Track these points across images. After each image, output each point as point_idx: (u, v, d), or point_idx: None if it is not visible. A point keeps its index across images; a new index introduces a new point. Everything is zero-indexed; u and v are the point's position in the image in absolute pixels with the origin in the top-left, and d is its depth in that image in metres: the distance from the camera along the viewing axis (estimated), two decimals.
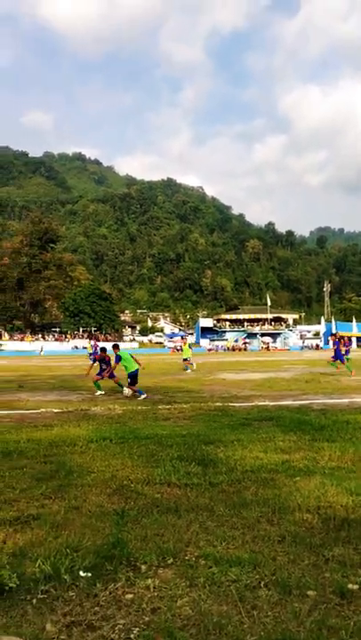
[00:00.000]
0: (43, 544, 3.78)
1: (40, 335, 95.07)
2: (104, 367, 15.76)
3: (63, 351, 76.79)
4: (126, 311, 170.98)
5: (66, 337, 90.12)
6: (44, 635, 2.63)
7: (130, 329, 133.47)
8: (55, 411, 11.54)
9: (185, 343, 29.97)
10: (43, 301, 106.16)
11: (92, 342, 47.38)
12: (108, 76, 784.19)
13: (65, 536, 3.92)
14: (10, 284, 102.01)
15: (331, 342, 27.47)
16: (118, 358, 14.77)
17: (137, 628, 2.70)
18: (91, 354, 37.70)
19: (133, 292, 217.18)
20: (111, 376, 15.67)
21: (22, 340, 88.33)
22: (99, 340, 63.10)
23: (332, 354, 22.67)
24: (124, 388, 14.77)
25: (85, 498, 4.95)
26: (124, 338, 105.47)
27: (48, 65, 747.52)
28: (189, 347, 27.81)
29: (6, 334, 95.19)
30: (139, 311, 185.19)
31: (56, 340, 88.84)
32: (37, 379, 22.40)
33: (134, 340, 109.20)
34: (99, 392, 15.13)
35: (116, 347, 15.52)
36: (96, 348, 39.61)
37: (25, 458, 6.66)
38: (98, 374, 15.63)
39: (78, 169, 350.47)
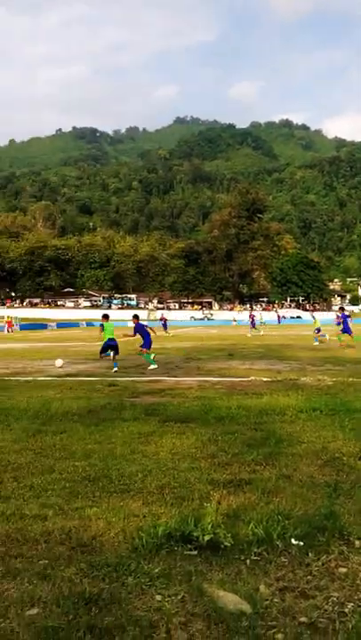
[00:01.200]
0: (255, 508, 3.89)
1: (248, 305, 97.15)
2: (146, 335, 15.06)
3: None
4: (335, 280, 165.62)
5: (274, 307, 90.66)
6: (258, 595, 2.72)
7: (339, 298, 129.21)
8: (264, 379, 11.73)
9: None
10: (251, 272, 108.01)
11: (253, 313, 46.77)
12: (313, 36, 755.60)
13: (276, 503, 3.99)
14: (219, 255, 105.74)
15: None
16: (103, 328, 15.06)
17: (351, 604, 2.64)
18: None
19: (343, 260, 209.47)
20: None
21: (231, 309, 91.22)
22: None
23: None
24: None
25: (296, 467, 4.97)
26: (333, 307, 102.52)
27: (251, 33, 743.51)
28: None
29: (216, 304, 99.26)
30: (349, 279, 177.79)
31: (264, 309, 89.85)
32: (245, 347, 22.94)
33: (343, 309, 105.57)
34: (152, 366, 14.42)
35: (105, 316, 15.84)
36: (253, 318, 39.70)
37: (236, 424, 6.90)
38: (143, 346, 15.03)
39: (285, 136, 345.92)
